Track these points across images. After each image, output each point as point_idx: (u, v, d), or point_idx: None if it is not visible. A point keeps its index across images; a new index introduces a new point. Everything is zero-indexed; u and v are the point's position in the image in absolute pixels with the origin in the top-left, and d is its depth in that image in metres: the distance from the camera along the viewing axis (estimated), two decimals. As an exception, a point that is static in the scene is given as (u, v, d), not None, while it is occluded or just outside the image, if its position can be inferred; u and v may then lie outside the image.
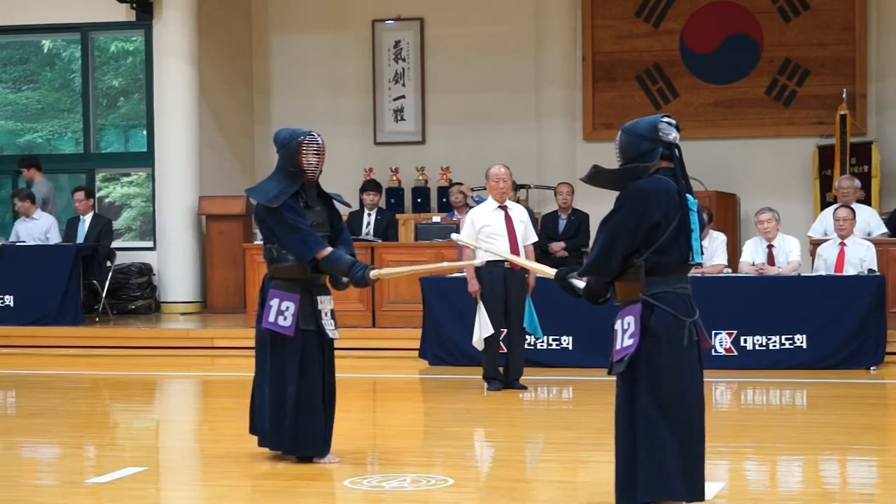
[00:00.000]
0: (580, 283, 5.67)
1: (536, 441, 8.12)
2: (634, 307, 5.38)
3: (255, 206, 7.01)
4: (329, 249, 6.80)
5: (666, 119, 5.46)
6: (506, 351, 10.12)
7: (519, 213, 10.05)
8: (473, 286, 9.85)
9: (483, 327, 9.79)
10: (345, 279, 6.92)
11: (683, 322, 5.32)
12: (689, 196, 5.40)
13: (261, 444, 6.93)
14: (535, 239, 10.27)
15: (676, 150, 5.44)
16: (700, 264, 11.15)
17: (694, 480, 5.31)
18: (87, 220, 14.59)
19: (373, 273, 6.76)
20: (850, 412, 9.03)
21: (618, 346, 5.45)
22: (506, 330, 10.04)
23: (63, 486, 6.64)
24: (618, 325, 5.48)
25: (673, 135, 5.43)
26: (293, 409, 6.72)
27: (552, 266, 6.07)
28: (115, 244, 15.43)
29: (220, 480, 6.68)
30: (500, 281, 9.78)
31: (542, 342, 11.01)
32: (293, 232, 6.75)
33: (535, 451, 7.79)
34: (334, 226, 7.03)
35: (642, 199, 5.34)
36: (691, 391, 5.36)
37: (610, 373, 5.54)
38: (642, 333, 5.33)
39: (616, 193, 5.52)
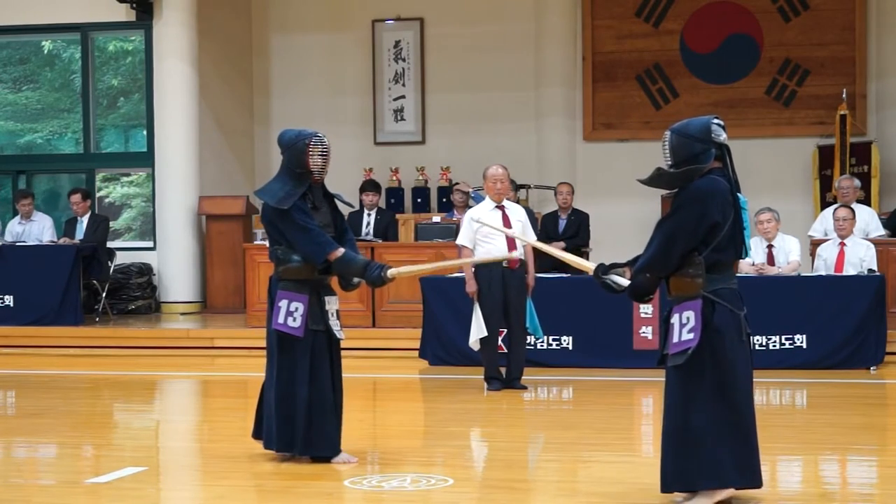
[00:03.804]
0: (623, 281, 5.78)
1: (536, 441, 8.12)
2: (694, 303, 5.57)
3: (262, 208, 6.97)
4: (342, 250, 6.78)
5: (716, 121, 5.71)
6: (505, 351, 10.11)
7: (517, 213, 10.05)
8: (471, 287, 9.84)
9: (478, 328, 9.78)
10: (356, 279, 6.91)
11: (739, 316, 5.61)
12: (739, 195, 5.69)
13: (266, 446, 6.91)
14: (534, 238, 10.25)
15: (726, 151, 5.72)
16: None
17: (754, 468, 5.65)
18: (84, 220, 14.60)
19: (391, 272, 6.72)
20: (850, 412, 9.02)
21: (675, 340, 5.62)
22: (505, 330, 10.03)
23: (63, 486, 6.63)
24: (675, 320, 5.64)
25: (723, 136, 5.71)
26: (305, 410, 6.70)
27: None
28: (115, 244, 15.46)
29: (220, 480, 6.68)
30: (498, 281, 9.77)
31: (542, 342, 11.00)
32: (304, 233, 6.72)
33: (536, 451, 7.79)
34: (338, 227, 7.02)
35: (702, 200, 5.57)
36: (748, 382, 5.67)
37: (663, 365, 5.73)
38: (705, 329, 5.53)
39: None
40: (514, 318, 9.87)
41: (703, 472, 5.54)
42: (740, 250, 5.71)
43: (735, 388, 5.57)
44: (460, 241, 10.06)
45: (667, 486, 5.67)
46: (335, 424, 6.82)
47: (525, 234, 9.99)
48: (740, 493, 5.79)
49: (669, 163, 5.71)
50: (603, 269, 5.83)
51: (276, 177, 6.94)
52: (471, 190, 13.99)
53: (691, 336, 5.54)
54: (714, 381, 5.54)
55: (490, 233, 9.81)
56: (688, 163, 5.64)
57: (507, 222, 9.86)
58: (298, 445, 6.77)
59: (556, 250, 6.56)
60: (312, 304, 6.77)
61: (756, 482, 5.69)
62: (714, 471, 5.55)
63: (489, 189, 10.01)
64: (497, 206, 9.95)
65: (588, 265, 6.00)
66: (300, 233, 6.73)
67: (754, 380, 5.81)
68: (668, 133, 5.73)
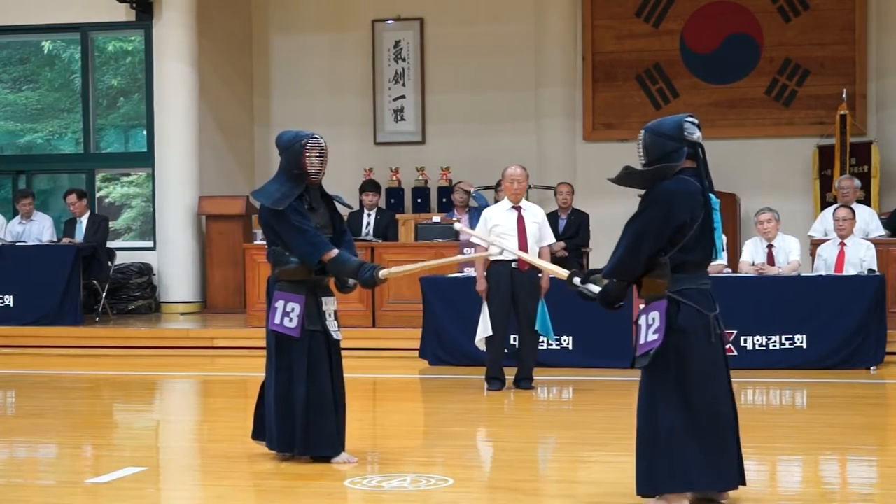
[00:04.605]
0: (594, 288, 5.76)
1: (537, 441, 8.11)
2: (660, 303, 5.51)
3: (259, 209, 6.99)
4: (336, 251, 6.79)
5: (690, 119, 5.63)
6: (508, 351, 10.10)
7: (534, 214, 9.98)
8: (481, 286, 9.85)
9: (483, 328, 9.79)
10: (351, 281, 6.92)
11: (707, 317, 5.52)
12: (711, 195, 5.58)
13: (269, 447, 6.91)
14: (552, 240, 10.22)
15: (700, 150, 5.60)
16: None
17: (725, 468, 5.54)
18: (84, 220, 14.61)
19: (382, 273, 6.73)
20: (850, 412, 9.02)
21: (642, 341, 5.56)
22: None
23: (63, 486, 6.63)
24: (642, 321, 5.59)
25: (697, 134, 5.61)
26: (303, 410, 6.70)
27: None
28: (115, 244, 15.46)
29: (220, 480, 6.68)
30: (506, 281, 9.76)
31: (543, 342, 11.00)
32: (299, 234, 6.74)
33: (536, 451, 7.79)
34: (336, 227, 7.03)
35: (669, 200, 5.49)
36: (718, 383, 5.56)
37: (633, 367, 5.67)
38: (669, 329, 5.48)
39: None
40: (524, 318, 9.85)
41: (667, 474, 5.45)
42: (710, 251, 5.59)
43: (702, 388, 5.48)
44: (475, 239, 10.04)
45: (639, 489, 5.59)
46: (335, 424, 6.82)
47: (542, 235, 9.99)
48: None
49: (643, 161, 5.64)
50: (582, 278, 5.81)
51: (274, 178, 6.96)
52: (472, 190, 13.99)
53: (656, 337, 5.48)
54: (678, 381, 5.47)
55: (502, 233, 9.77)
56: (660, 161, 5.57)
57: (521, 223, 9.83)
58: (298, 445, 6.78)
59: (533, 258, 6.64)
60: (309, 304, 6.78)
61: (729, 483, 5.58)
62: (677, 473, 5.44)
63: (506, 189, 10.00)
64: (513, 207, 9.92)
65: (562, 272, 5.99)
66: (295, 233, 6.74)
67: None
68: (642, 131, 5.68)
